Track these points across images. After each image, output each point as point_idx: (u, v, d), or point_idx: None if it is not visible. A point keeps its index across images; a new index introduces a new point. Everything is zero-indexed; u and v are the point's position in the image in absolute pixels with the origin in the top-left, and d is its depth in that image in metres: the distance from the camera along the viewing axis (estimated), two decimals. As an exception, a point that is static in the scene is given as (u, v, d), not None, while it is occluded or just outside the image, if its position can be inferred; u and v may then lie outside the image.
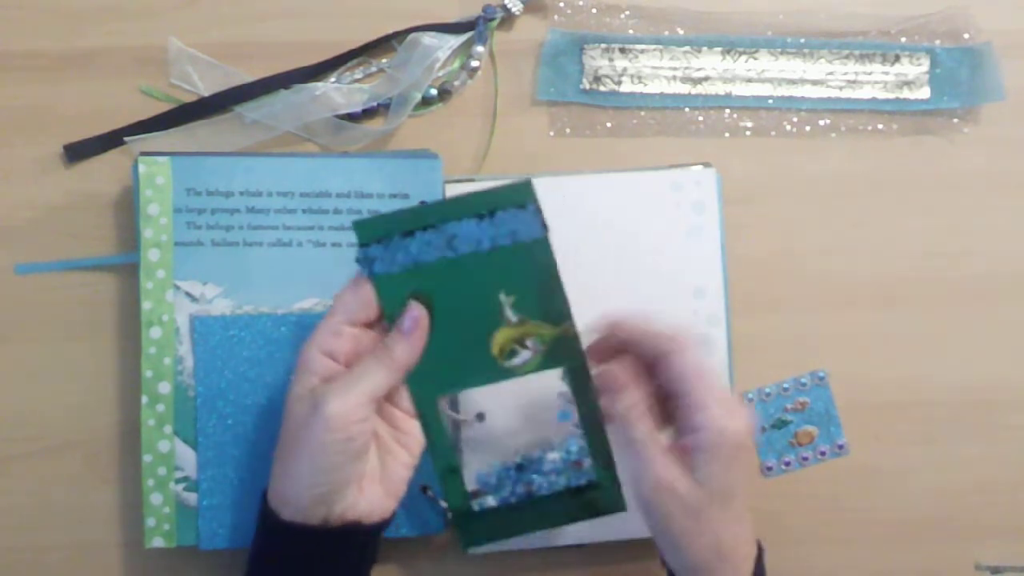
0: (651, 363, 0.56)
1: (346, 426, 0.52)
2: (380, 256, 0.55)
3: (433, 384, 0.56)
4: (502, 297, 0.55)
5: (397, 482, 0.56)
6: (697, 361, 0.55)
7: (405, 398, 0.56)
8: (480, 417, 0.64)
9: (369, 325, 0.56)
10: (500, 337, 0.55)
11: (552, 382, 0.57)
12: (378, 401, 0.54)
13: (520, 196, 0.55)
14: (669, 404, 0.56)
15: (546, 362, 0.56)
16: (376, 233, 0.55)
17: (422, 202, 0.64)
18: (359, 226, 0.55)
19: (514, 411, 0.64)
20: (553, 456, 0.60)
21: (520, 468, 0.60)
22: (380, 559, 0.59)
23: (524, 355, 0.56)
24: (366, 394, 0.53)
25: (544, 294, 0.55)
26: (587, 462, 0.58)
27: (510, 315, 0.55)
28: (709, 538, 0.54)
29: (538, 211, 0.55)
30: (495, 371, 0.56)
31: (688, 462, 0.54)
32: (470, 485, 0.59)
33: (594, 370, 0.56)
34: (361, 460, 0.54)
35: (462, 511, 0.58)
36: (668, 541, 0.55)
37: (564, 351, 0.56)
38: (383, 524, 0.56)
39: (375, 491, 0.55)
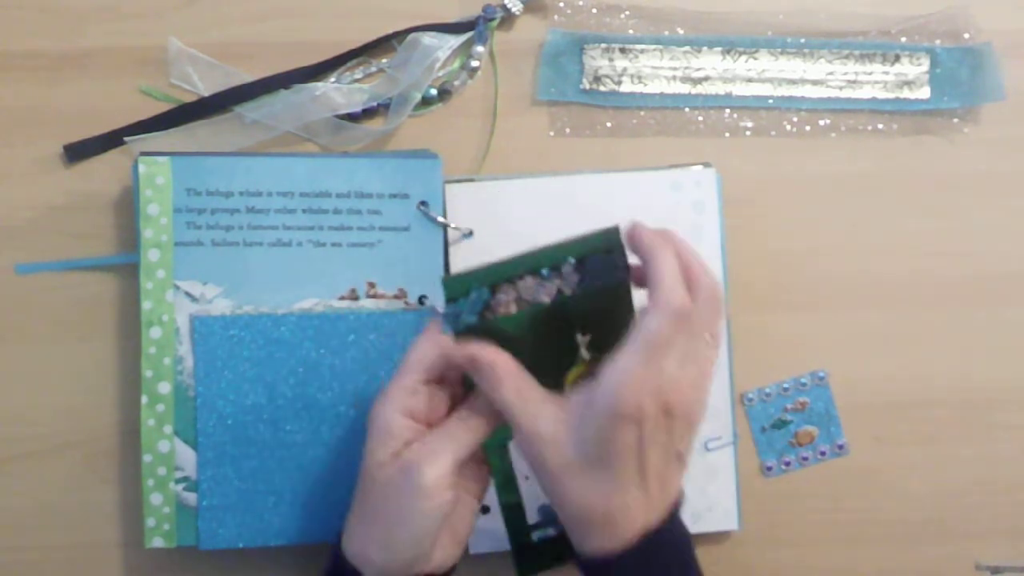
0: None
1: (441, 493, 0.52)
2: (466, 310, 0.54)
3: (507, 428, 0.54)
4: (579, 337, 0.55)
5: (465, 529, 0.57)
6: (656, 293, 0.51)
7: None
8: None
9: (440, 379, 0.55)
10: (572, 375, 0.55)
11: None
12: None
13: (607, 243, 0.54)
14: None
15: None
16: (466, 288, 0.54)
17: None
18: (449, 283, 0.54)
19: None
20: None
21: None
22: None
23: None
24: (457, 460, 0.53)
25: (621, 331, 0.53)
26: None
27: (584, 353, 0.55)
28: (576, 502, 0.51)
29: (623, 256, 0.54)
30: None
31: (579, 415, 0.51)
32: (532, 518, 0.59)
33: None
34: (445, 520, 0.54)
35: (522, 543, 0.58)
36: (543, 490, 0.53)
37: None
38: (451, 571, 0.57)
39: (446, 542, 0.56)
